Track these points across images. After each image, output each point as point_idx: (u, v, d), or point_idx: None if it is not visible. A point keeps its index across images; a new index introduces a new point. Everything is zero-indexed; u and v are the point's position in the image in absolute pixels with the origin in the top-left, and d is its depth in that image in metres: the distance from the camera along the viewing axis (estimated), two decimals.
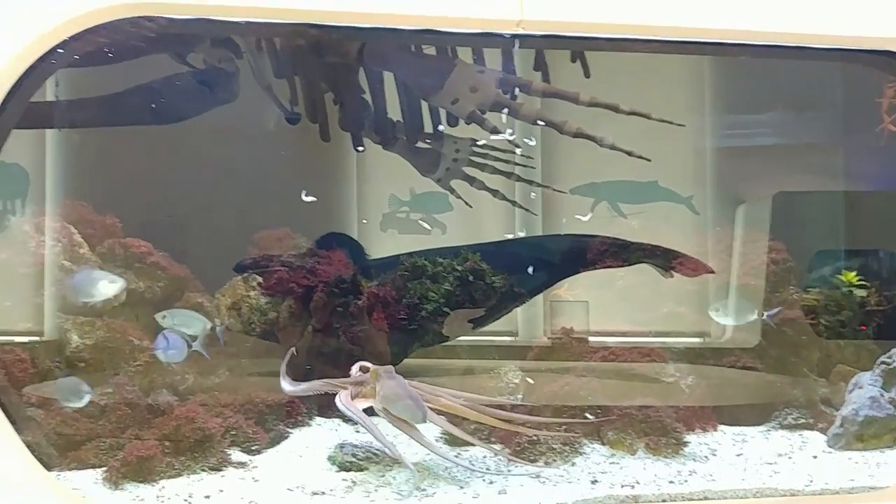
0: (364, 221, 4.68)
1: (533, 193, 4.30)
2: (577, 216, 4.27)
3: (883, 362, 3.41)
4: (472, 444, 3.19)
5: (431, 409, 2.99)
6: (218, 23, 2.85)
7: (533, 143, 4.20)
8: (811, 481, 3.01)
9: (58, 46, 2.59)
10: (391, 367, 3.06)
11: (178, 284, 3.97)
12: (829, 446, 3.39)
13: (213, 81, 4.02)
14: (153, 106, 3.98)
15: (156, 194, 4.21)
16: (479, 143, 4.13)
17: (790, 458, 3.28)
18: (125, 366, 3.50)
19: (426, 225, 4.59)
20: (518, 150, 4.09)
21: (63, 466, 2.97)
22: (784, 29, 2.95)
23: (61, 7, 2.58)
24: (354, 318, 3.66)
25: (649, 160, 3.68)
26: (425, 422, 2.93)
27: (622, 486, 2.91)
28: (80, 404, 3.10)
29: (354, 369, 3.11)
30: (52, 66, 2.68)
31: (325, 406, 3.44)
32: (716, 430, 3.53)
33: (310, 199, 3.79)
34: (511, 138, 3.90)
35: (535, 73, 4.19)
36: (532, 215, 4.44)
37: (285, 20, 2.86)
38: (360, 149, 4.27)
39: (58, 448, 3.02)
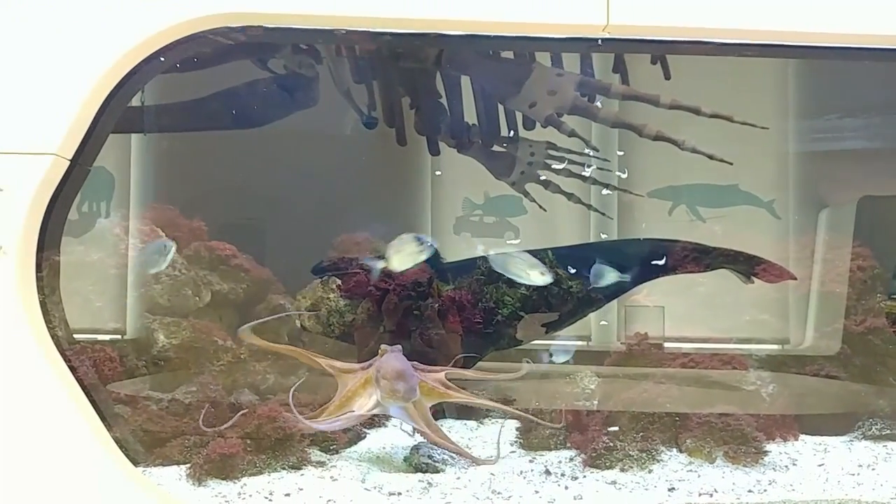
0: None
1: (605, 191, 4.26)
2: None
3: None
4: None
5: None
6: (301, 31, 2.92)
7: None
8: None
9: (157, 53, 2.71)
10: (398, 346, 3.16)
11: (261, 286, 4.07)
12: None
13: (294, 86, 4.11)
14: (235, 111, 4.09)
15: (239, 198, 4.33)
16: (555, 146, 4.12)
17: (874, 469, 3.19)
18: (209, 365, 3.60)
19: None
20: (592, 155, 4.07)
21: (149, 462, 3.05)
22: (871, 31, 2.88)
23: (160, 16, 2.69)
24: (429, 321, 3.70)
25: (731, 163, 3.63)
26: (409, 400, 3.04)
27: (700, 495, 2.88)
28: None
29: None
30: (149, 74, 2.80)
31: None
32: (797, 439, 3.46)
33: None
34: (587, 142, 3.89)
35: (613, 75, 4.18)
36: (608, 219, 4.42)
37: (368, 28, 2.91)
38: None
39: (144, 444, 3.10)
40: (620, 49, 3.71)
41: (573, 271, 3.89)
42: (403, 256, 3.32)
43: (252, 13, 2.77)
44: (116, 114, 2.76)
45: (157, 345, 3.65)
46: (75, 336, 3.24)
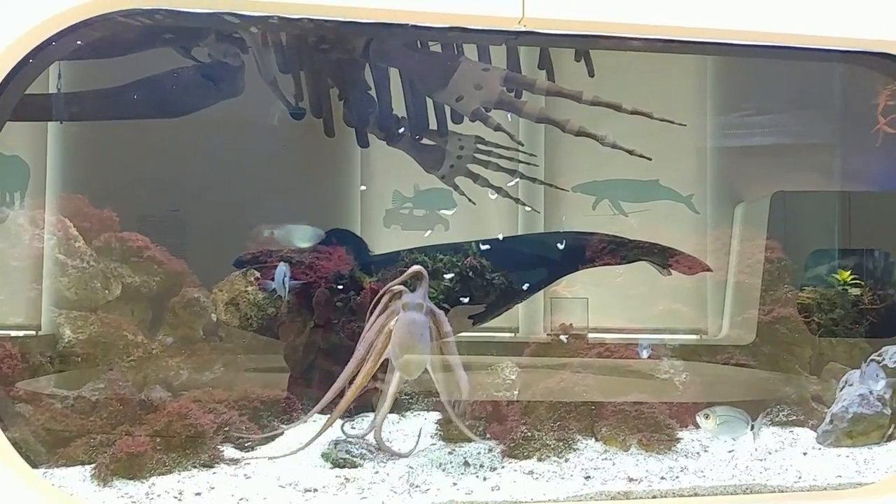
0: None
1: (511, 182, 4.25)
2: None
3: (873, 360, 3.45)
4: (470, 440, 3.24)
5: None
6: (217, 17, 2.86)
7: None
8: (800, 478, 3.05)
9: (51, 39, 2.59)
10: (419, 299, 3.12)
11: (175, 279, 3.94)
12: (819, 443, 3.42)
13: (218, 75, 4.04)
14: (156, 100, 3.99)
15: (159, 189, 4.22)
16: (483, 140, 4.14)
17: (780, 454, 3.32)
18: (119, 361, 3.50)
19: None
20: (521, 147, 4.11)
21: (51, 463, 2.96)
22: (784, 30, 2.98)
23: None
24: (354, 314, 3.68)
25: (650, 159, 3.70)
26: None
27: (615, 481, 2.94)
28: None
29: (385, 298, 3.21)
30: (47, 59, 2.70)
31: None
32: None
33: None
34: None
35: (539, 71, 4.22)
36: (535, 213, 4.47)
37: (289, 15, 2.88)
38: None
39: (46, 444, 3.00)
40: (536, 42, 3.75)
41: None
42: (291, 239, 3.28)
43: None
44: (12, 102, 2.64)
45: (63, 340, 3.51)
46: None
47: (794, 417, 3.61)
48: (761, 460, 3.22)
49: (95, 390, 3.23)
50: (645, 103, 3.66)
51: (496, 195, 3.94)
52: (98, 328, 3.56)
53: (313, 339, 3.71)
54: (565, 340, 3.75)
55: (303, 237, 3.41)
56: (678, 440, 3.31)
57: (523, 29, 2.83)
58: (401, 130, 4.20)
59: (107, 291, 3.75)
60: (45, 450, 3.00)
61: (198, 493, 2.79)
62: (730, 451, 3.30)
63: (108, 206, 3.95)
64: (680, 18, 2.93)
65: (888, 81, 3.90)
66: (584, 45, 3.87)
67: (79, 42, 2.69)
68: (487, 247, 4.01)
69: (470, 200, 4.25)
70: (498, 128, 3.83)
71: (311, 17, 2.88)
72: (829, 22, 2.97)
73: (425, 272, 3.23)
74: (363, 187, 4.62)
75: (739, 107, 4.76)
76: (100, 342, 3.53)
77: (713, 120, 4.73)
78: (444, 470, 3.05)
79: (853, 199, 4.42)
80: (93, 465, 2.92)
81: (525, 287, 4.02)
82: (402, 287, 3.21)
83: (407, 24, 2.89)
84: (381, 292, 3.23)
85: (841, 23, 2.97)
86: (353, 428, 3.34)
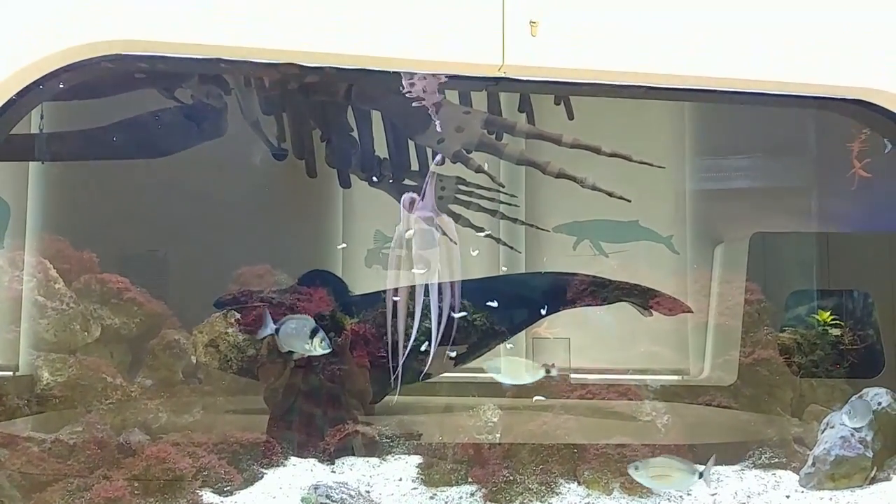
0: (343, 246, 4.68)
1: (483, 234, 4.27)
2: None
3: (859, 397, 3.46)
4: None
5: None
6: (201, 61, 2.88)
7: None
8: None
9: (37, 83, 2.61)
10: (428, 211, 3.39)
11: (155, 321, 3.94)
12: (802, 485, 3.41)
13: (201, 116, 4.06)
14: (138, 140, 4.00)
15: (141, 229, 4.21)
16: (464, 181, 4.17)
17: (763, 497, 3.30)
18: (97, 404, 3.47)
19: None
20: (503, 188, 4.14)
21: None
22: (760, 77, 3.05)
23: (39, 44, 2.59)
24: (334, 355, 3.66)
25: (629, 201, 3.74)
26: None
27: None
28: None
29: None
30: (32, 102, 2.71)
31: (302, 446, 3.44)
32: None
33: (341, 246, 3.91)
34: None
35: (520, 114, 4.27)
36: (517, 253, 4.49)
37: (271, 60, 2.91)
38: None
39: (22, 489, 2.95)
40: (516, 89, 3.81)
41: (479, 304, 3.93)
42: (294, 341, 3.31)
43: (135, 41, 2.70)
44: None
45: (41, 382, 3.49)
46: None
47: (777, 460, 3.60)
48: (744, 503, 3.21)
49: (73, 433, 3.19)
50: (624, 146, 3.71)
51: (477, 251, 3.98)
52: (77, 370, 3.54)
53: (293, 380, 3.69)
54: (554, 374, 3.72)
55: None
56: None
57: (503, 76, 2.88)
58: (382, 171, 4.23)
59: (86, 333, 3.72)
60: (20, 495, 2.95)
61: None
62: (713, 495, 3.29)
63: (89, 246, 3.94)
64: (657, 65, 2.99)
65: (862, 127, 3.99)
66: (564, 92, 3.93)
67: (61, 85, 2.70)
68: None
69: (452, 240, 4.27)
70: (479, 169, 3.87)
71: (296, 62, 2.91)
72: (804, 70, 3.04)
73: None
74: (343, 245, 4.64)
75: (718, 150, 4.84)
76: (78, 384, 3.51)
77: (692, 162, 4.81)
78: None
79: (831, 240, 4.49)
80: None
81: (506, 328, 4.02)
82: (415, 196, 3.50)
83: (389, 71, 2.93)
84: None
85: (815, 71, 3.04)
86: (332, 472, 3.30)
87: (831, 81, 3.06)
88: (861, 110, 3.19)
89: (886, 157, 3.51)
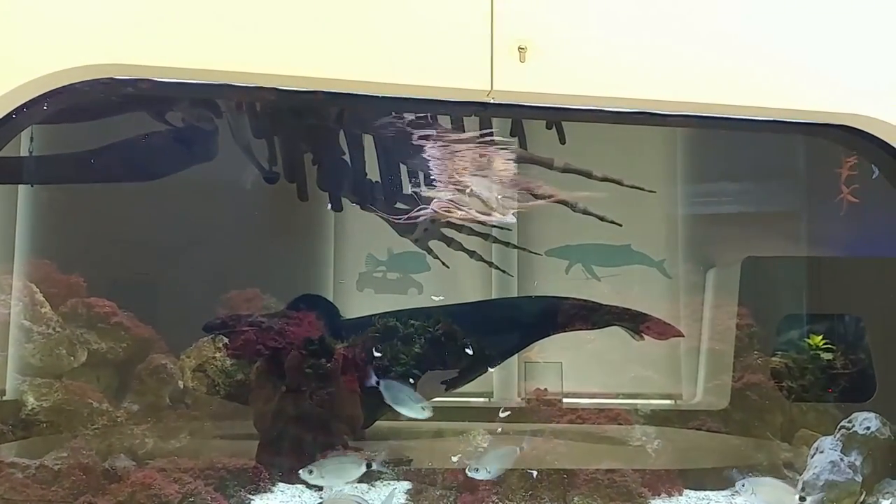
0: (341, 282, 4.69)
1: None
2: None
3: (843, 427, 3.44)
4: None
5: None
6: (193, 85, 2.89)
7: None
8: None
9: (27, 105, 2.61)
10: None
11: (142, 346, 3.93)
12: None
13: (192, 140, 4.06)
14: (128, 163, 3.99)
15: (126, 252, 4.19)
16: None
17: None
18: (83, 429, 3.44)
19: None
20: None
21: None
22: (748, 102, 3.07)
23: (30, 67, 2.59)
24: (324, 380, 3.64)
25: (620, 225, 3.76)
26: None
27: None
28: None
29: None
30: (21, 124, 2.70)
31: (291, 471, 3.41)
32: (681, 494, 3.53)
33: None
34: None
35: (511, 138, 4.29)
36: (508, 277, 4.48)
37: (261, 84, 2.92)
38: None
39: None
40: (505, 114, 3.83)
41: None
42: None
43: (121, 65, 2.71)
44: None
45: (27, 407, 3.46)
46: None
47: None
48: None
49: (58, 459, 3.16)
50: (616, 170, 3.73)
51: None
52: (62, 395, 3.52)
53: (284, 405, 3.66)
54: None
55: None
56: None
57: (492, 101, 2.90)
58: (374, 195, 4.23)
59: (72, 358, 3.70)
60: None
61: None
62: None
63: (77, 270, 3.93)
64: (646, 92, 3.01)
65: (849, 153, 4.01)
66: (553, 118, 3.95)
67: (46, 107, 2.70)
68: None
69: (444, 264, 4.27)
70: (471, 193, 3.88)
71: (285, 87, 2.92)
72: (791, 96, 3.06)
73: None
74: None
75: (709, 175, 4.86)
76: (64, 409, 3.49)
77: (683, 187, 4.82)
78: None
79: (822, 264, 4.49)
80: None
81: (497, 352, 4.01)
82: None
83: (379, 96, 2.94)
84: None
85: (802, 97, 3.06)
86: (321, 499, 3.26)
87: (818, 107, 3.08)
88: (848, 136, 3.20)
89: (874, 182, 3.53)
